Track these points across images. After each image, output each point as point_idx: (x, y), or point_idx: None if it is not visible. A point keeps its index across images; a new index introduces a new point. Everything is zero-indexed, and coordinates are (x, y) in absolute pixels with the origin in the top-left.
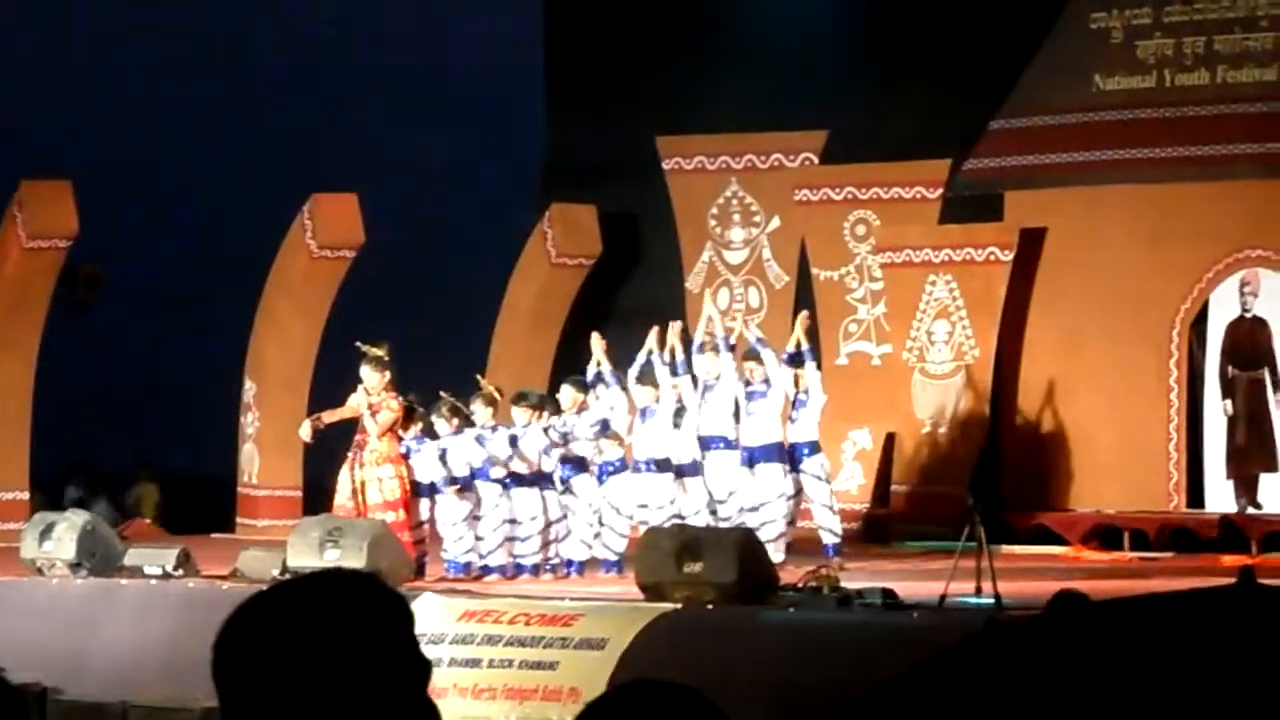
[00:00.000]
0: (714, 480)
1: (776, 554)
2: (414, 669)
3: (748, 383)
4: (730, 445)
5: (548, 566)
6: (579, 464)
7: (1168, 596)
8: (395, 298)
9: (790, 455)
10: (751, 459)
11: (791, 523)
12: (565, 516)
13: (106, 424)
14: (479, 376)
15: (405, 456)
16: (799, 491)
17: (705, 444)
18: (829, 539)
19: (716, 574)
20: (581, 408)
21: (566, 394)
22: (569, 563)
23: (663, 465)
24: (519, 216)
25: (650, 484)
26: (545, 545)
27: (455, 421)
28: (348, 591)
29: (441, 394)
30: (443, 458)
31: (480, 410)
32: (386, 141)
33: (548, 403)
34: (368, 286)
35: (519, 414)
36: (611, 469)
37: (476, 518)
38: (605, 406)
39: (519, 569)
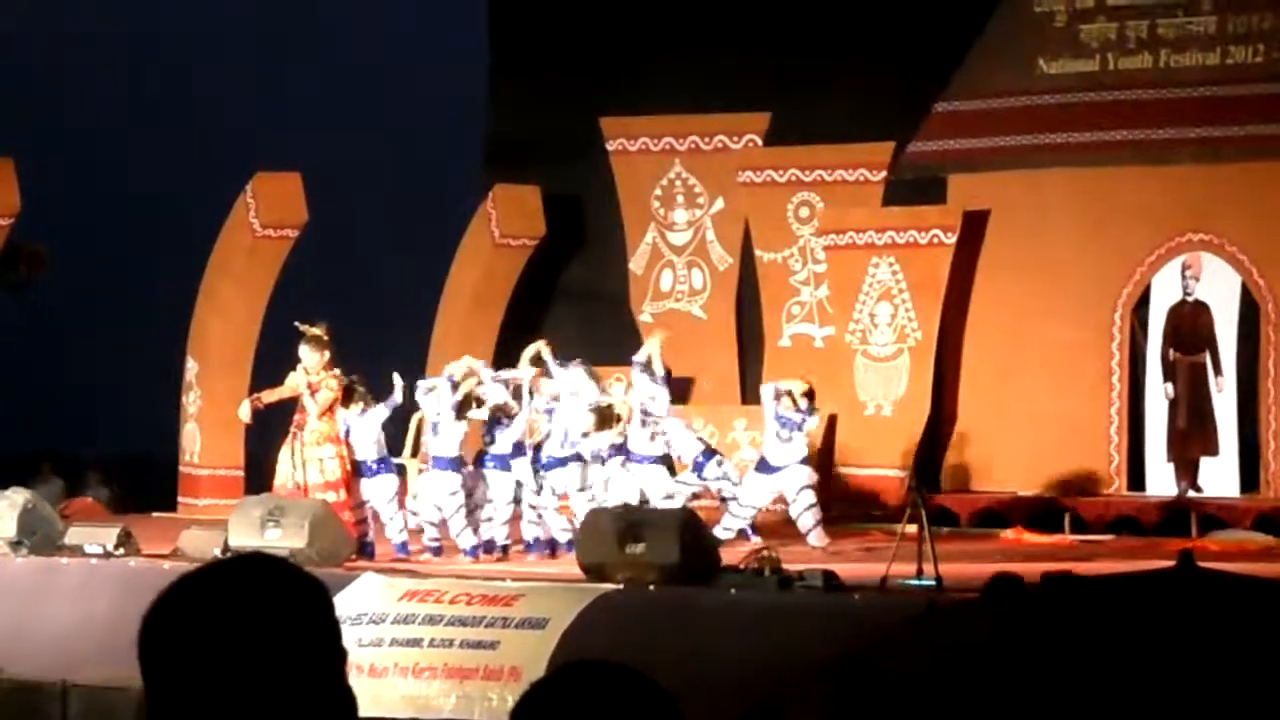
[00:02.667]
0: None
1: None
2: (333, 656)
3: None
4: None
5: (499, 546)
6: (518, 448)
7: (1108, 579)
8: (338, 277)
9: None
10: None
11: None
12: (518, 500)
13: (47, 402)
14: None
15: (346, 436)
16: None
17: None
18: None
19: (658, 555)
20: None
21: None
22: (528, 544)
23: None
24: (462, 197)
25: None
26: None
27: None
28: (268, 576)
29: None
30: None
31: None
32: (330, 121)
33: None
34: (310, 266)
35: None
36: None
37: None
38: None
39: (488, 548)
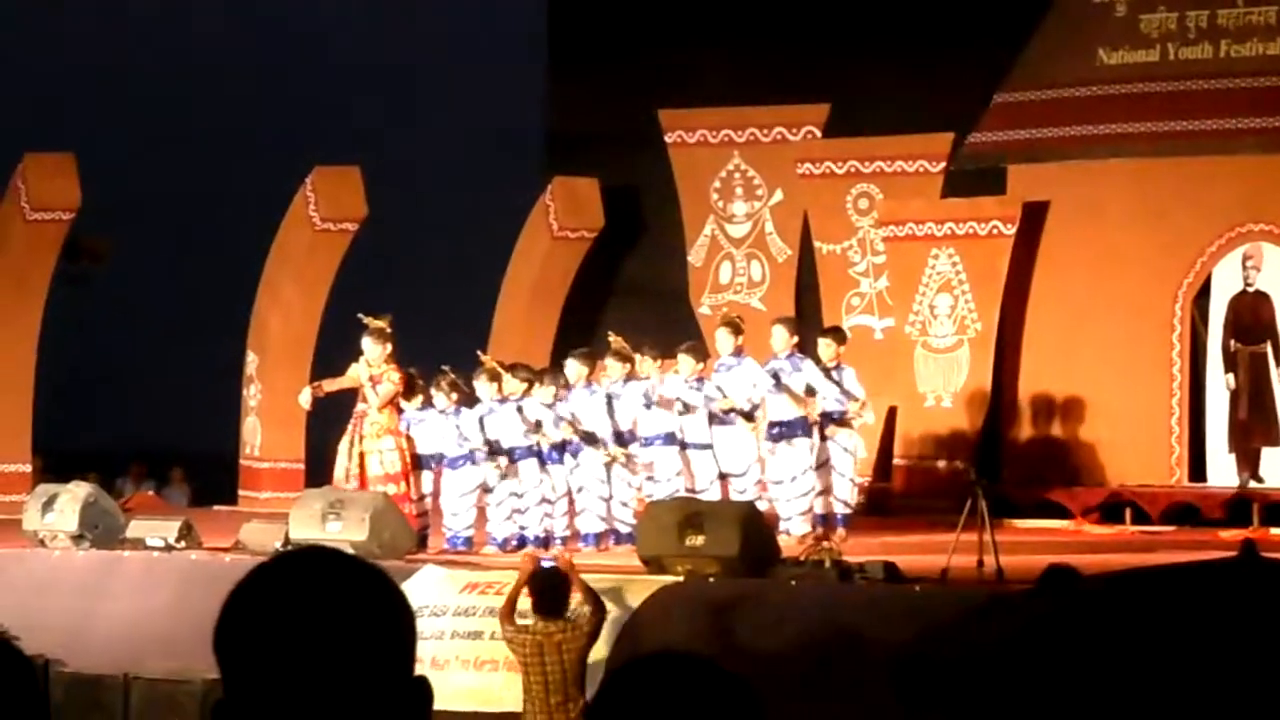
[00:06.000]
0: (733, 454)
1: (803, 526)
2: (404, 652)
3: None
4: (744, 417)
5: (558, 539)
6: (589, 438)
7: (1169, 569)
8: (397, 271)
9: (820, 425)
10: (778, 434)
11: (824, 492)
12: (582, 490)
13: (109, 396)
14: (480, 353)
15: (406, 428)
16: (826, 461)
17: (725, 419)
18: (840, 509)
19: (718, 547)
20: (589, 382)
21: (573, 368)
22: (585, 536)
23: (669, 439)
24: (521, 190)
25: (657, 457)
26: (546, 517)
27: (454, 396)
28: (341, 570)
29: (443, 368)
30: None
31: (483, 386)
32: (389, 114)
33: (546, 376)
34: (370, 259)
35: (513, 385)
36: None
37: (488, 490)
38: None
39: (522, 540)
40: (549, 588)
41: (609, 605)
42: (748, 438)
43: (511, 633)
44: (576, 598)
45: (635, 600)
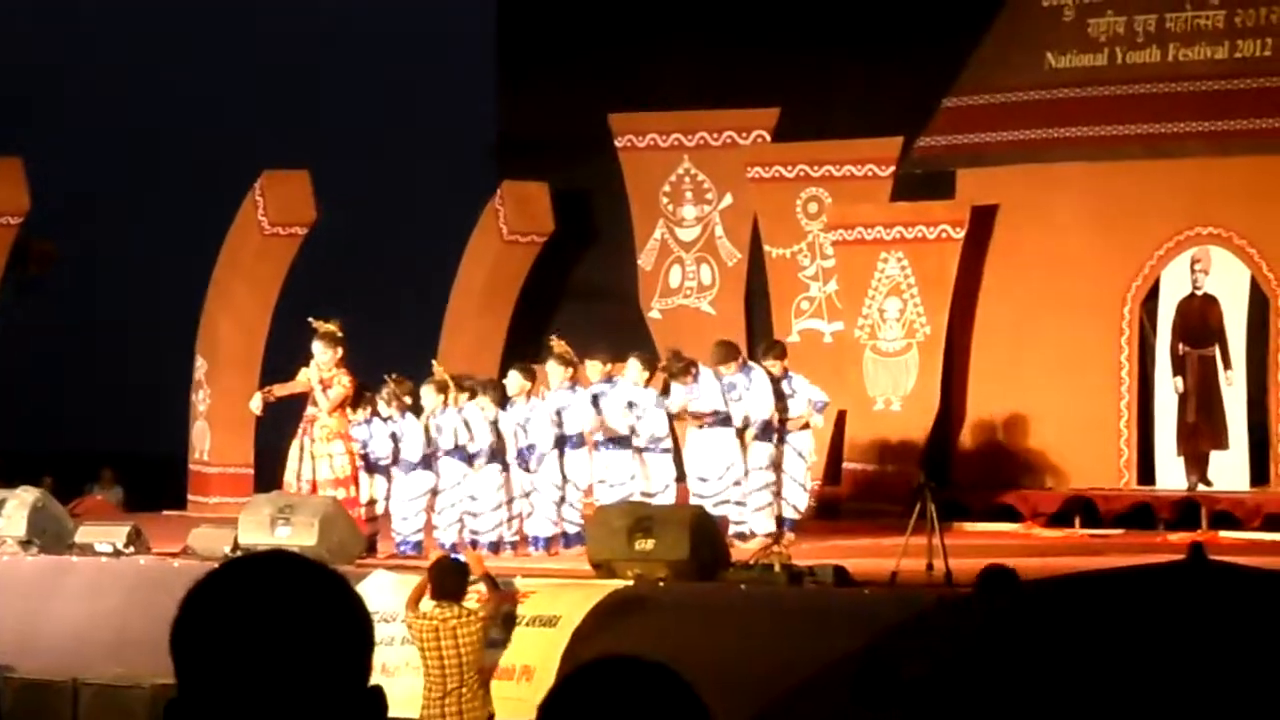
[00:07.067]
0: (706, 456)
1: (764, 525)
2: (361, 656)
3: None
4: (724, 422)
5: (507, 543)
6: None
7: (1118, 573)
8: (347, 275)
9: (779, 429)
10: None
11: (778, 494)
12: (531, 493)
13: (56, 400)
14: (435, 363)
15: (364, 445)
16: (778, 465)
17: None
18: (790, 514)
19: (668, 551)
20: (530, 395)
21: (514, 381)
22: (534, 540)
23: (621, 442)
24: (471, 194)
25: (610, 461)
26: (502, 522)
27: (394, 405)
28: (298, 574)
29: (385, 378)
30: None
31: (429, 395)
32: (338, 118)
33: (490, 388)
34: (319, 264)
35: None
36: (571, 445)
37: (436, 493)
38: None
39: (472, 545)
40: (446, 574)
41: (560, 611)
42: (730, 441)
43: (411, 619)
44: (481, 590)
45: (585, 605)
